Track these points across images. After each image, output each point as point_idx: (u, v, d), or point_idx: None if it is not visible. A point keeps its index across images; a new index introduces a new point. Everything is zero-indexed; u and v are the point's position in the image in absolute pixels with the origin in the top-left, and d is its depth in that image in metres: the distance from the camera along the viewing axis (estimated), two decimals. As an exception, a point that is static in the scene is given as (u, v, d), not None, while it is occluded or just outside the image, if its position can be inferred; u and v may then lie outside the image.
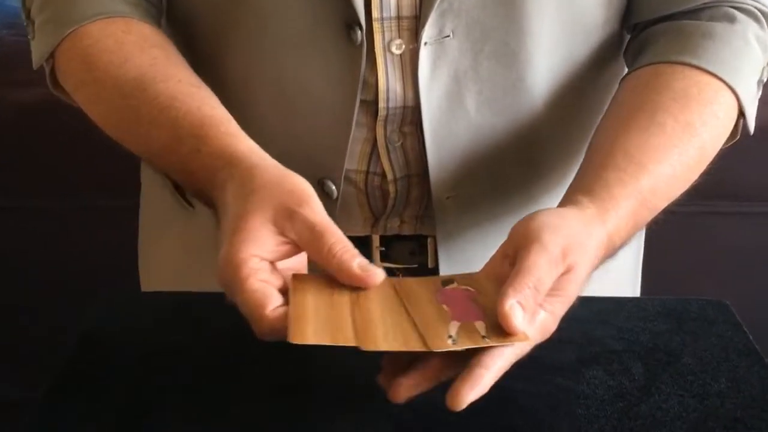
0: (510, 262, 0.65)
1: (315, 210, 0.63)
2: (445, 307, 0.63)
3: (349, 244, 0.63)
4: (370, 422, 0.64)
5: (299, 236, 0.63)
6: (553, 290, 0.63)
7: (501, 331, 0.60)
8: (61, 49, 0.78)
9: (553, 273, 0.63)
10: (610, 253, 0.70)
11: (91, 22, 0.77)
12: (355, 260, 0.63)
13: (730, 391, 0.67)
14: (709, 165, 0.78)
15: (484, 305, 0.63)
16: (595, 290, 0.78)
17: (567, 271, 0.64)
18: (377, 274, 0.63)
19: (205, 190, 0.69)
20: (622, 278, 0.95)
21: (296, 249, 0.64)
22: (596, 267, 0.68)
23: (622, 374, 0.69)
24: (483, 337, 0.60)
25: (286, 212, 0.63)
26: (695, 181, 0.77)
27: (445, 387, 0.66)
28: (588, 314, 0.76)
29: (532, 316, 0.62)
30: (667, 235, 1.50)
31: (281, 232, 0.63)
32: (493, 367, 0.60)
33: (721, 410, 0.65)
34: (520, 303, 0.60)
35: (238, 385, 0.67)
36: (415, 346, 0.60)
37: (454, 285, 0.66)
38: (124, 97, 0.75)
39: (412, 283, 0.66)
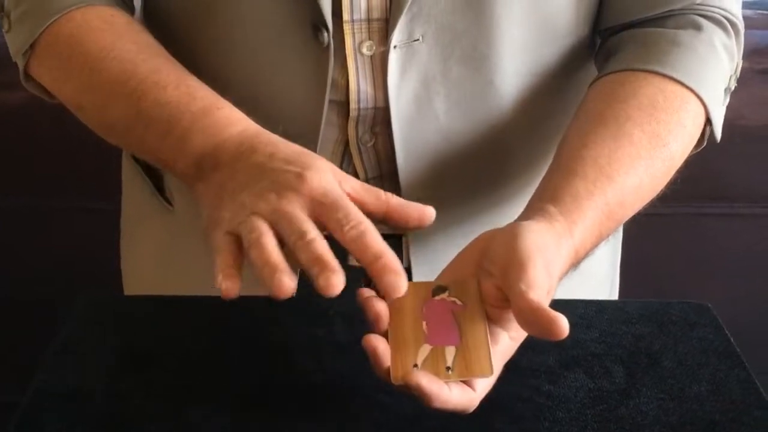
0: (493, 282, 0.64)
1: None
2: (424, 324, 0.64)
3: None
4: (352, 427, 0.64)
5: (353, 188, 0.65)
6: None
7: (466, 362, 0.62)
8: (43, 36, 0.77)
9: (546, 292, 0.63)
10: (575, 265, 0.70)
11: (74, 10, 0.77)
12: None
13: (709, 394, 0.68)
14: (678, 173, 0.78)
15: (463, 326, 0.64)
16: (571, 295, 0.79)
17: (546, 293, 0.64)
18: (431, 211, 0.66)
19: (213, 141, 0.68)
20: (599, 283, 0.96)
21: None
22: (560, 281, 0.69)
23: (602, 377, 0.69)
24: (447, 368, 0.62)
25: (338, 172, 0.65)
26: (662, 189, 0.77)
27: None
28: (570, 318, 0.75)
29: None
30: (653, 237, 1.52)
31: (340, 184, 0.65)
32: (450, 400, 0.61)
33: (700, 413, 0.66)
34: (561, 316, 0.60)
35: (219, 387, 0.67)
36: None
37: (445, 295, 0.66)
38: (121, 62, 0.74)
39: (407, 288, 0.65)
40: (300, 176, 0.63)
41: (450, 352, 0.62)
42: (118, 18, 0.78)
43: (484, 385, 0.63)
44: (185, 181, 0.71)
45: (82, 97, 0.77)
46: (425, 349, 0.63)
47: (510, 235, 0.66)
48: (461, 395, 0.61)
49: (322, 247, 0.61)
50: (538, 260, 0.63)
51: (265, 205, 0.63)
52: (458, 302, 0.65)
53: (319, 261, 0.61)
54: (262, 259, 0.61)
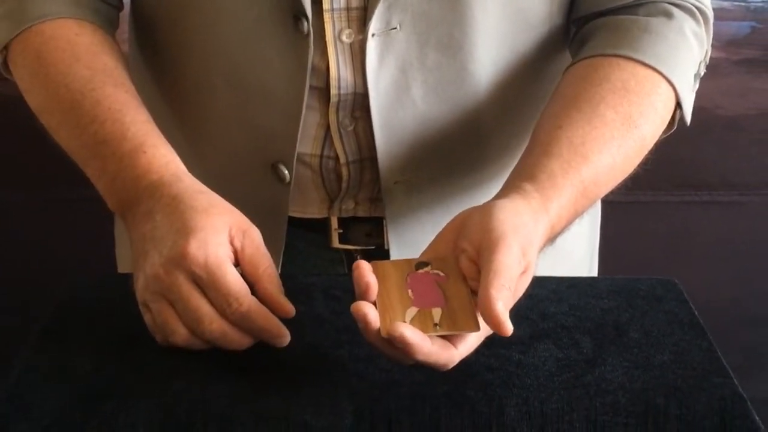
0: (468, 257, 0.68)
1: (260, 235, 0.71)
2: (410, 291, 0.67)
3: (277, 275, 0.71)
4: (329, 394, 0.66)
5: (244, 249, 0.70)
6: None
7: (453, 319, 0.65)
8: (15, 42, 0.82)
9: (518, 273, 0.67)
10: (551, 240, 0.73)
11: (45, 21, 0.81)
12: (281, 289, 0.70)
13: (672, 363, 0.71)
14: (648, 155, 0.81)
15: (447, 292, 0.67)
16: (551, 268, 0.82)
17: (524, 271, 0.68)
18: (291, 310, 0.70)
19: (134, 188, 0.73)
20: (577, 265, 0.98)
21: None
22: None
23: (571, 347, 0.72)
24: (435, 325, 0.65)
25: (241, 227, 0.70)
26: (635, 169, 0.80)
27: (399, 364, 0.68)
28: (542, 293, 0.79)
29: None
30: (633, 224, 1.55)
31: (231, 241, 0.70)
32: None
33: (662, 380, 0.69)
34: (504, 304, 0.64)
35: (202, 362, 0.69)
36: None
37: (428, 269, 0.69)
38: (71, 92, 0.78)
39: (389, 265, 0.70)
40: (181, 251, 0.67)
41: (437, 313, 0.66)
42: (82, 37, 0.81)
43: (465, 346, 0.66)
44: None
45: (41, 115, 0.82)
46: (413, 311, 0.66)
47: (485, 214, 0.69)
48: (441, 349, 0.64)
49: (218, 329, 0.68)
50: (511, 241, 0.66)
51: (160, 286, 0.68)
52: (441, 274, 0.69)
53: (222, 342, 0.68)
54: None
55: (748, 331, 1.61)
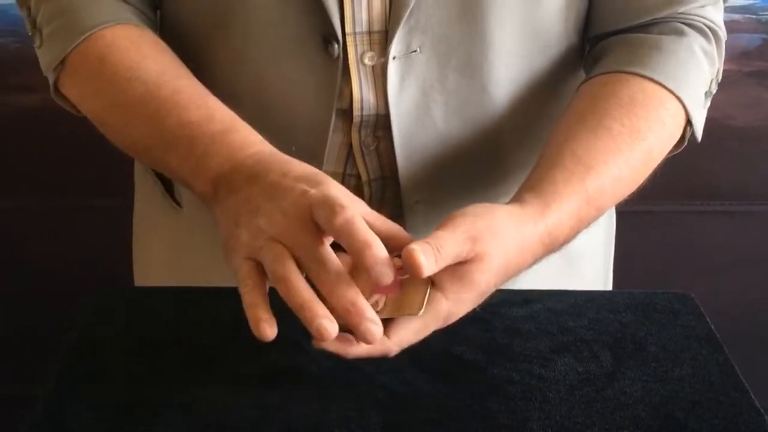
0: None
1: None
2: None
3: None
4: (356, 407, 0.68)
5: (363, 213, 0.67)
6: (460, 278, 0.68)
7: (395, 307, 0.66)
8: (73, 54, 0.81)
9: (455, 247, 0.66)
10: (552, 247, 0.74)
11: (105, 28, 0.81)
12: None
13: (690, 377, 0.72)
14: (659, 167, 0.82)
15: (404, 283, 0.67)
16: (566, 287, 0.83)
17: (476, 260, 0.68)
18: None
19: (229, 162, 0.71)
20: (593, 275, 1.00)
21: None
22: (536, 262, 0.73)
23: (590, 361, 0.73)
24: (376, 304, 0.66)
25: (350, 194, 0.68)
26: (643, 182, 0.81)
27: (424, 377, 0.71)
28: (562, 307, 0.80)
29: (435, 263, 0.65)
30: (646, 235, 1.56)
31: None
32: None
33: (681, 394, 0.70)
34: (420, 249, 0.64)
35: (229, 372, 0.71)
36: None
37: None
38: (145, 84, 0.77)
39: None
40: (307, 194, 0.65)
41: (382, 299, 0.67)
42: (144, 38, 0.82)
43: (402, 336, 0.67)
44: (206, 204, 0.74)
45: (106, 115, 0.81)
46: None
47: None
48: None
49: (341, 281, 0.65)
50: (454, 225, 0.67)
51: (281, 230, 0.65)
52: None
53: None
54: (296, 302, 0.64)
55: (761, 342, 1.63)
